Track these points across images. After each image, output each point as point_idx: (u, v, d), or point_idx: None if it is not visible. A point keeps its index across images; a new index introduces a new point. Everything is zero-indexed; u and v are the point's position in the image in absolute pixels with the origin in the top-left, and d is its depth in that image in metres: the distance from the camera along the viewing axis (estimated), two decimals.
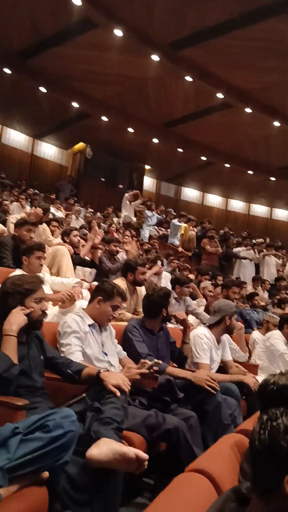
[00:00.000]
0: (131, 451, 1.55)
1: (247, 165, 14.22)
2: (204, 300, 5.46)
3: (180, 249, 10.00)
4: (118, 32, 8.47)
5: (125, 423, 1.84)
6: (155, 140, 13.22)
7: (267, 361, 3.77)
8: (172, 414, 2.28)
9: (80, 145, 14.32)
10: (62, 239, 4.90)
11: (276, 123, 11.16)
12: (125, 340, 2.78)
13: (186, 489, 1.35)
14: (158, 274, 5.91)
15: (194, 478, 1.41)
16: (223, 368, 3.30)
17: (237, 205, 18.32)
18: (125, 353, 2.68)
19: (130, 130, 12.58)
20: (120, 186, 14.81)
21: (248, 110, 10.69)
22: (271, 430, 0.87)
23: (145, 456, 1.53)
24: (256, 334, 4.55)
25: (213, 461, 1.54)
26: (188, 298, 4.90)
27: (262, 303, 6.28)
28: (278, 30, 7.80)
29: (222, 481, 1.37)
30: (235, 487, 1.05)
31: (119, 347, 2.67)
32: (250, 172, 14.51)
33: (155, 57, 9.14)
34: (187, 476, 1.43)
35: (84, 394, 1.95)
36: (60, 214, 8.49)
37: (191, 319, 4.71)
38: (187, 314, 4.73)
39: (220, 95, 10.23)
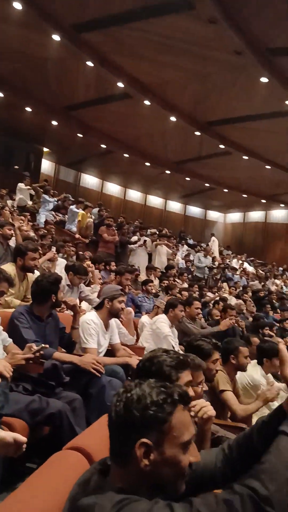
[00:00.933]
0: (9, 435, 1.54)
1: (145, 157, 14.59)
2: (98, 286, 5.56)
3: (77, 235, 9.95)
4: (17, 5, 7.99)
5: (6, 409, 1.83)
6: (54, 123, 12.83)
7: (153, 343, 4.00)
8: (57, 398, 2.31)
9: None
10: None
11: (173, 119, 11.58)
12: (11, 327, 2.72)
13: (60, 466, 1.40)
14: (52, 260, 5.84)
15: (70, 455, 1.47)
16: (111, 351, 3.42)
17: (134, 195, 18.80)
18: (10, 340, 2.61)
19: (28, 109, 12.02)
20: (16, 167, 14.12)
21: (147, 102, 10.90)
22: (126, 400, 0.96)
23: (23, 439, 1.54)
24: (144, 318, 4.79)
25: (90, 438, 1.62)
26: (81, 284, 4.94)
27: (153, 290, 6.60)
28: (177, 28, 7.98)
29: (97, 457, 1.42)
30: (102, 459, 1.12)
31: (4, 334, 2.60)
32: (148, 164, 14.92)
33: (56, 37, 8.81)
34: (63, 454, 1.48)
35: None
36: None
37: (84, 305, 4.77)
38: (80, 300, 4.78)
39: (120, 84, 10.27)
